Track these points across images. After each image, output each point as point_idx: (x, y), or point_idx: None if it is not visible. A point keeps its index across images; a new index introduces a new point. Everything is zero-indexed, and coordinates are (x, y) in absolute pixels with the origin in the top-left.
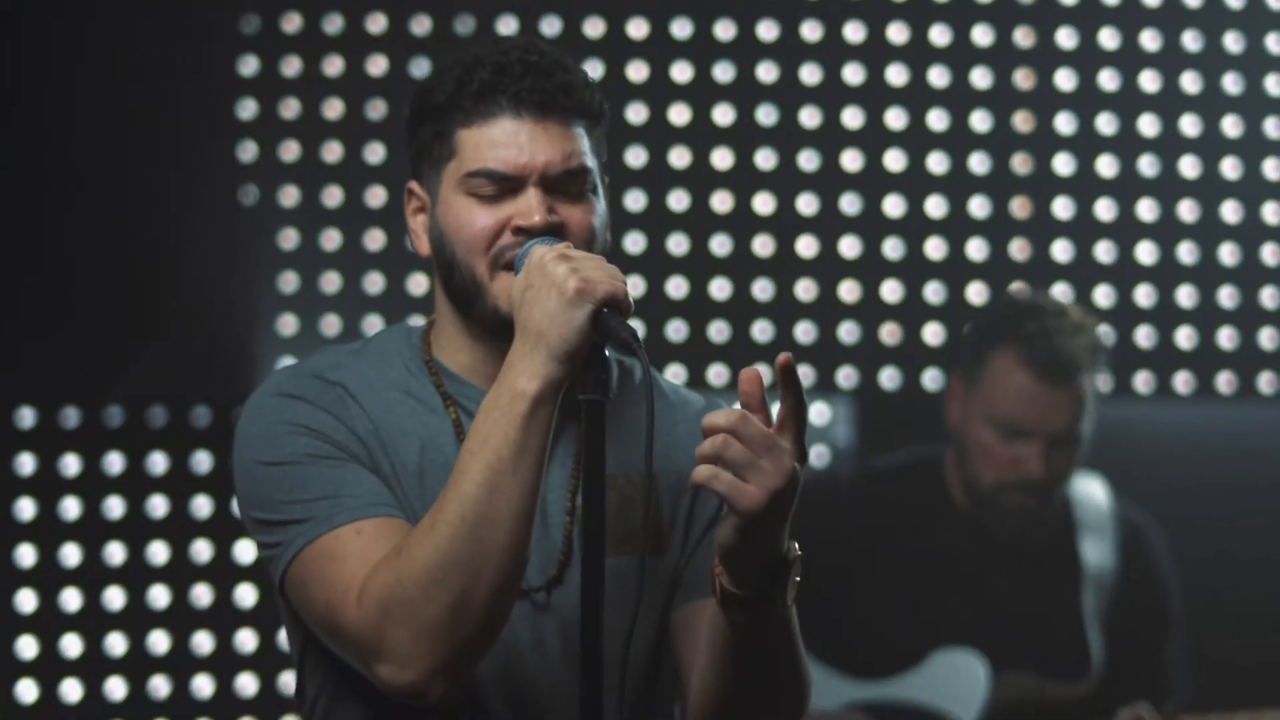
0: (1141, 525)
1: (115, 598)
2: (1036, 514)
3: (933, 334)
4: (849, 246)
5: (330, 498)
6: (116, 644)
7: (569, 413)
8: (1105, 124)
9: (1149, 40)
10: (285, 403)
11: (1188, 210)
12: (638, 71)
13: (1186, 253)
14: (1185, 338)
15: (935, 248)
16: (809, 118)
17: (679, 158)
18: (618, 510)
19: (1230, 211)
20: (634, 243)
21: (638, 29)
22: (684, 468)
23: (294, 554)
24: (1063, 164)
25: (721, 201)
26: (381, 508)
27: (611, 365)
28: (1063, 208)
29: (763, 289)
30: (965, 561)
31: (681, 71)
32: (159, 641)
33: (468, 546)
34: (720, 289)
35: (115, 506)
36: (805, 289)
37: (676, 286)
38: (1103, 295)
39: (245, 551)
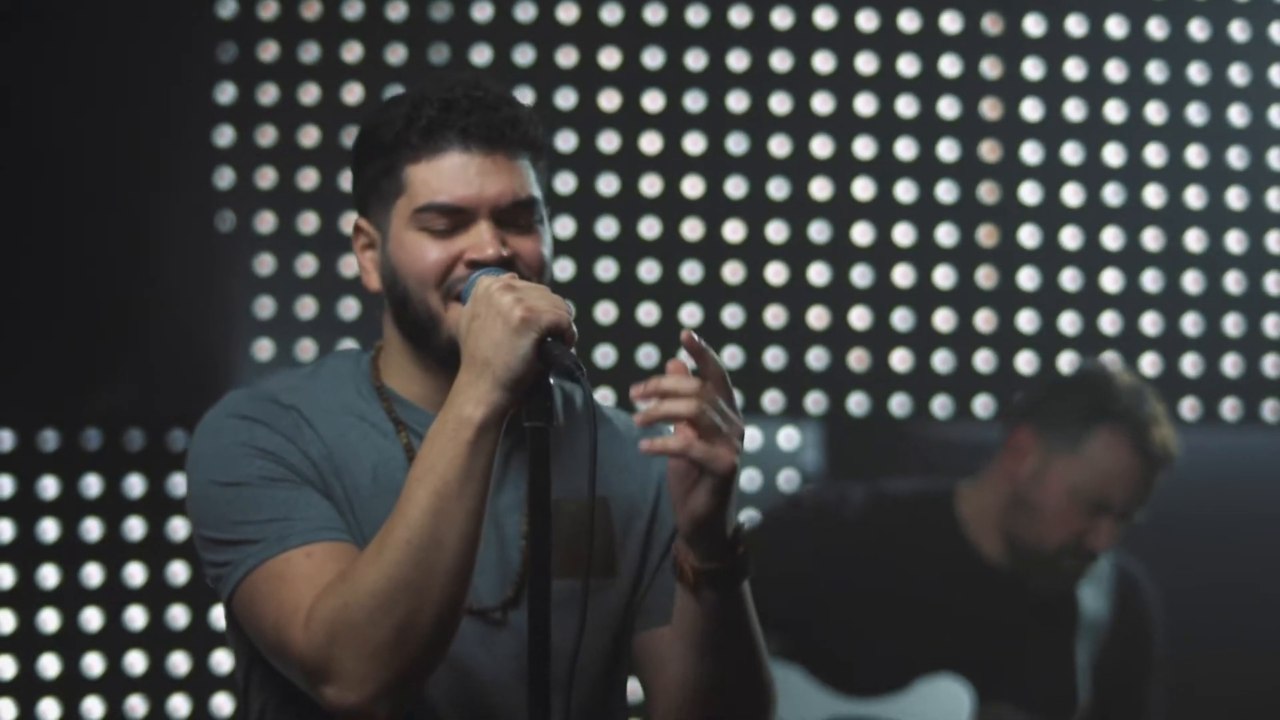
0: (1136, 576)
1: (93, 618)
2: (1080, 576)
3: (900, 360)
4: (817, 274)
5: (282, 520)
6: (94, 664)
7: (520, 438)
8: (1071, 153)
9: (1114, 71)
10: (241, 424)
11: (1152, 239)
12: (609, 100)
13: (1151, 280)
14: (1149, 364)
15: (903, 275)
16: (778, 146)
17: (650, 186)
18: (569, 533)
19: (1194, 240)
20: (605, 269)
21: (609, 59)
22: (634, 491)
23: (244, 574)
24: (1029, 193)
25: (692, 229)
26: (332, 531)
27: (556, 392)
28: (1028, 236)
29: (732, 315)
30: (966, 595)
31: (653, 100)
32: (136, 662)
33: (414, 571)
34: (690, 315)
35: (93, 528)
36: (774, 315)
37: (647, 313)
38: (1068, 323)
39: None
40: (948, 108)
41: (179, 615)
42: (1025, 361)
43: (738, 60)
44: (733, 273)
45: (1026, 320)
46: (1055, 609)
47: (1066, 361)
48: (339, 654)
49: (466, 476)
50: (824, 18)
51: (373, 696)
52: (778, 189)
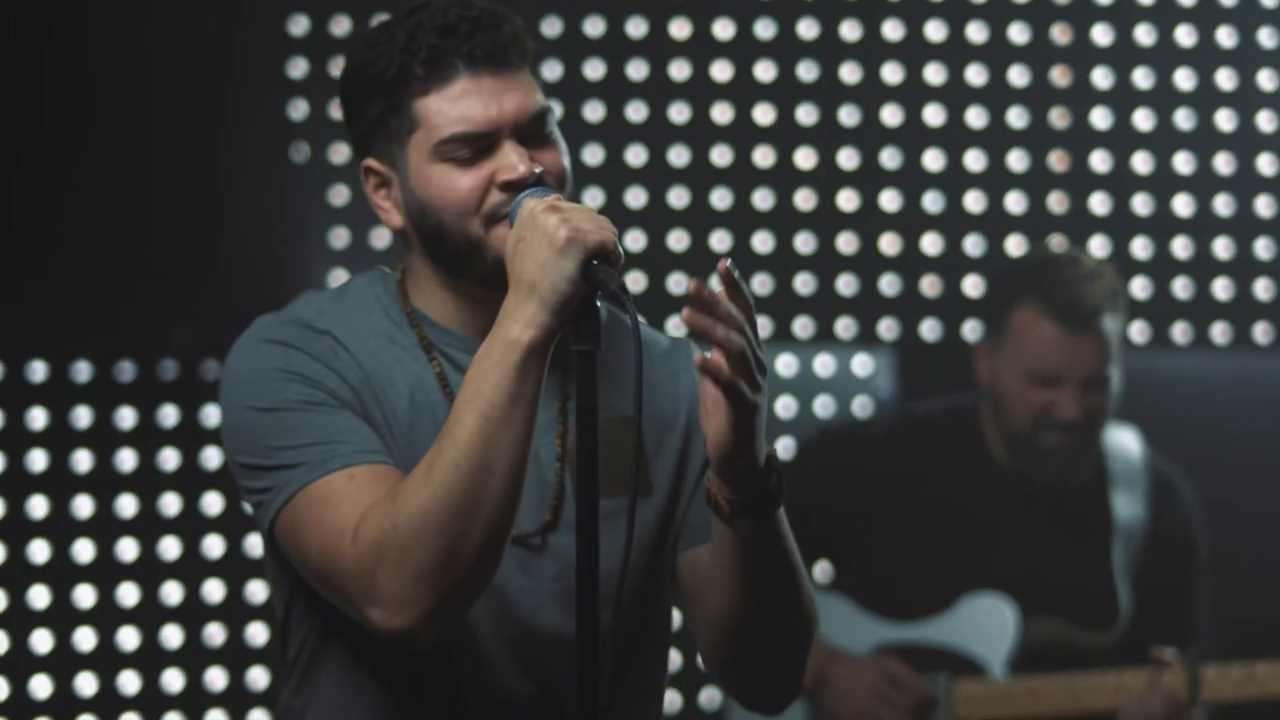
0: (1172, 478)
1: (171, 547)
2: (1075, 455)
3: (972, 286)
4: (889, 200)
5: (323, 444)
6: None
7: (552, 358)
8: (1141, 78)
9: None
10: (276, 349)
11: (1224, 163)
12: (681, 29)
13: (1223, 205)
14: (1222, 289)
15: (975, 201)
16: (849, 74)
17: (721, 113)
18: (607, 453)
19: (1266, 164)
20: (678, 198)
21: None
22: (665, 406)
23: (287, 498)
24: (1100, 118)
25: (764, 157)
26: (374, 454)
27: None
28: (1100, 161)
29: (805, 242)
30: (998, 510)
31: (724, 28)
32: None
33: (463, 494)
34: (763, 243)
35: (170, 458)
36: (847, 242)
37: (720, 240)
38: (1140, 248)
39: None
40: (1018, 33)
41: (255, 544)
42: None
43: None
44: (804, 200)
45: (1098, 245)
46: (1088, 515)
47: (1139, 286)
48: (385, 576)
49: (515, 400)
50: None
51: (420, 620)
52: (849, 116)
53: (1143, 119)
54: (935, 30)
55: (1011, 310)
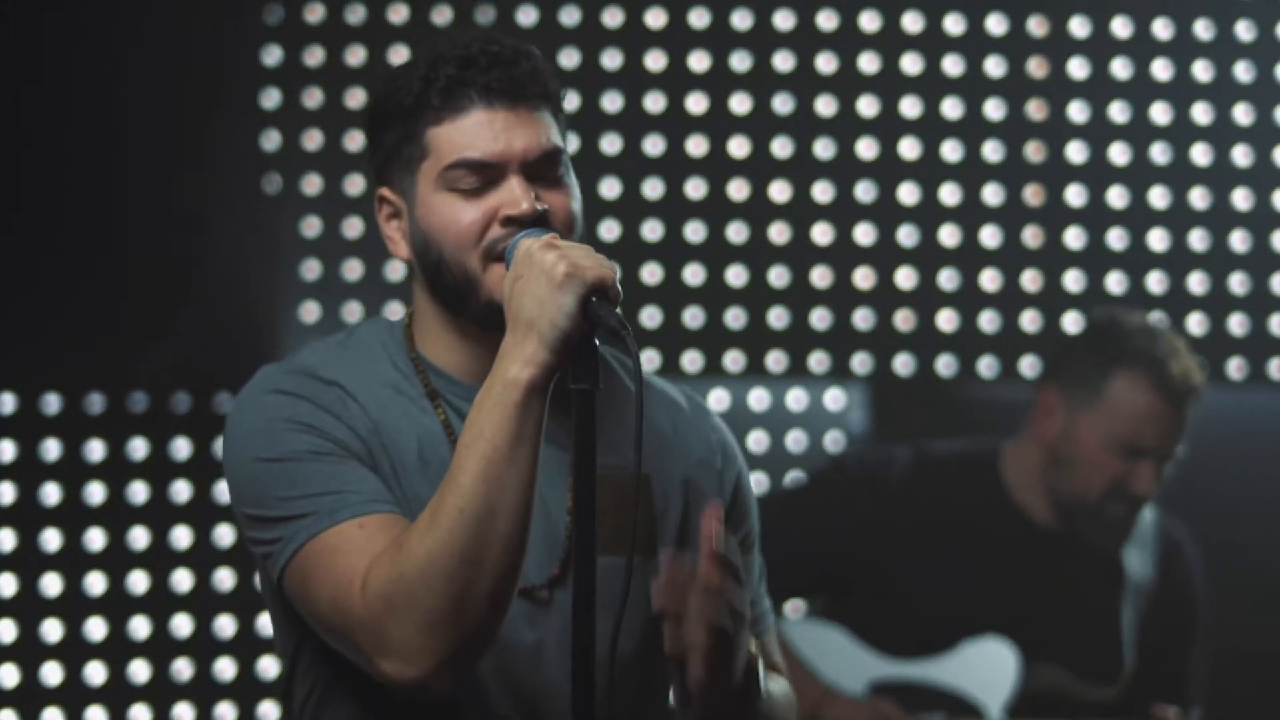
0: (1180, 539)
1: (139, 581)
2: (1130, 524)
3: (946, 320)
4: (864, 234)
5: (333, 493)
6: (140, 627)
7: (562, 407)
8: (1118, 112)
9: (1160, 29)
10: (284, 400)
11: (1200, 197)
12: (656, 60)
13: (1198, 239)
14: (1196, 324)
15: (949, 235)
16: (824, 106)
17: (696, 146)
18: (614, 508)
19: (1241, 199)
20: (651, 230)
21: (656, 19)
22: (673, 468)
23: (296, 548)
24: (1075, 152)
25: (738, 189)
26: (384, 504)
27: (601, 356)
28: (1075, 195)
29: (779, 276)
30: (1011, 556)
31: (699, 60)
32: (182, 625)
33: (468, 539)
34: (737, 276)
35: (139, 491)
36: (821, 276)
37: (693, 274)
38: (1115, 282)
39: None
40: (994, 66)
41: (225, 578)
42: (1071, 321)
43: (783, 19)
44: (779, 233)
45: (1073, 280)
46: (1101, 570)
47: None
48: (396, 626)
49: (517, 441)
50: None
51: (431, 670)
52: (824, 149)
53: (1118, 153)
54: (911, 63)
55: (1114, 373)
